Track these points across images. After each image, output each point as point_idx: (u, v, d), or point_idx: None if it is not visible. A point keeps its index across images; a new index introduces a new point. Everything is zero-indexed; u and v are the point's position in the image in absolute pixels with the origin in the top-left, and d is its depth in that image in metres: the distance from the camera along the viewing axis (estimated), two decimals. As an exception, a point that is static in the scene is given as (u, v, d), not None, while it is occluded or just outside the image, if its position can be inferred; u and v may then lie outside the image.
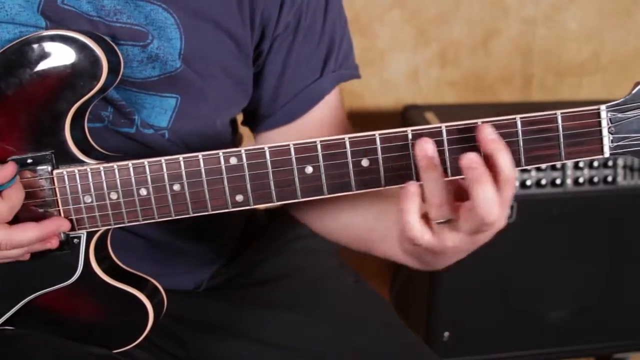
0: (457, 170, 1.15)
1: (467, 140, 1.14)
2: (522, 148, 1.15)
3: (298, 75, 1.46)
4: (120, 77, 1.25)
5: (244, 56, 1.39)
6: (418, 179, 1.15)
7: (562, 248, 2.47)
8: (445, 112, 2.58)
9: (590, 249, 2.48)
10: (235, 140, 1.62)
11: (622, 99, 1.13)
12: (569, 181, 2.38)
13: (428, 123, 2.43)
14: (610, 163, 2.39)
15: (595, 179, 2.39)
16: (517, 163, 1.15)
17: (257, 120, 1.51)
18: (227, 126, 1.52)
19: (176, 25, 1.31)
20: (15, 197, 1.20)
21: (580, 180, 2.38)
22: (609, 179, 2.40)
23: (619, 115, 1.14)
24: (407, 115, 2.63)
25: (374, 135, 1.15)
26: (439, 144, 1.14)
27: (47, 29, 1.26)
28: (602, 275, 2.52)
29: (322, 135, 1.43)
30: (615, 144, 1.14)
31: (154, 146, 1.38)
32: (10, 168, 1.19)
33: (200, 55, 1.35)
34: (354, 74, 1.54)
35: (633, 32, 2.88)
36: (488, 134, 1.12)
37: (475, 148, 1.13)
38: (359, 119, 2.76)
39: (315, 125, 1.49)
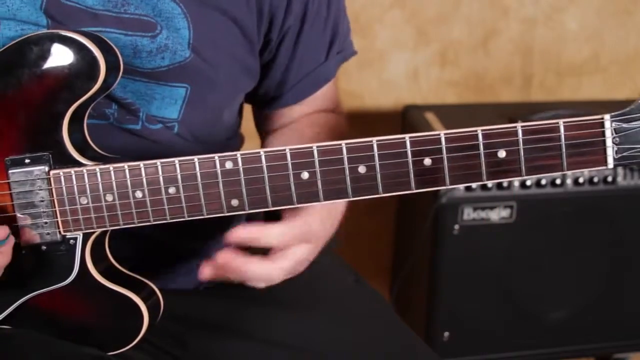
0: (454, 179, 1.15)
1: (466, 149, 1.14)
2: (522, 157, 1.13)
3: (305, 60, 1.49)
4: (120, 77, 1.26)
5: (249, 43, 1.41)
6: (416, 187, 1.16)
7: (562, 248, 2.47)
8: (445, 112, 2.58)
9: (590, 249, 2.48)
10: (239, 135, 1.64)
11: (627, 109, 1.10)
12: (569, 181, 2.38)
13: (428, 123, 2.44)
14: (610, 163, 2.39)
15: (595, 179, 2.39)
16: (518, 173, 1.14)
17: (265, 101, 1.56)
18: (234, 117, 1.54)
19: (183, 14, 1.32)
20: (0, 259, 1.22)
21: (580, 180, 2.38)
22: (609, 179, 2.40)
23: (624, 125, 1.11)
24: (407, 115, 2.64)
25: (371, 141, 1.15)
26: (437, 152, 1.14)
27: (48, 27, 1.27)
28: (602, 275, 2.52)
29: (319, 106, 1.54)
30: (620, 154, 1.11)
31: (161, 141, 1.39)
32: (4, 230, 1.22)
33: (209, 43, 1.35)
34: (353, 51, 1.59)
35: (633, 32, 2.88)
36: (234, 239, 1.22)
37: (474, 156, 1.14)
38: (358, 120, 2.76)
39: (315, 103, 1.56)
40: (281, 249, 1.26)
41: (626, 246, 2.50)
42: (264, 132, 1.63)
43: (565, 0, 2.79)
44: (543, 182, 2.36)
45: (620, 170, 2.40)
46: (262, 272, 1.26)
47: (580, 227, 2.45)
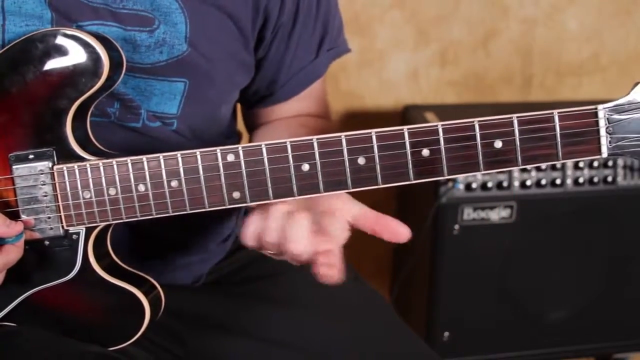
0: (452, 169, 1.16)
1: (463, 139, 1.15)
2: (518, 147, 1.15)
3: (296, 58, 1.51)
4: (123, 74, 1.26)
5: (244, 38, 1.42)
6: (415, 177, 1.17)
7: (562, 248, 2.47)
8: (445, 112, 2.59)
9: (590, 249, 2.49)
10: (236, 132, 1.65)
11: (620, 100, 1.13)
12: (569, 181, 2.38)
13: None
14: (610, 163, 2.40)
15: (595, 179, 2.39)
16: (514, 162, 1.15)
17: (255, 100, 1.57)
18: (230, 113, 1.56)
19: (180, 9, 1.33)
20: (13, 255, 1.23)
21: (580, 180, 2.38)
22: (609, 179, 2.41)
23: (617, 115, 1.13)
24: (407, 115, 2.64)
25: (370, 133, 1.16)
26: (435, 142, 1.15)
27: (52, 20, 1.28)
28: (602, 275, 2.53)
29: (308, 106, 1.56)
30: (614, 144, 1.14)
31: (160, 139, 1.40)
32: (19, 226, 1.23)
33: (205, 38, 1.37)
34: (346, 48, 1.60)
35: (633, 32, 2.88)
36: None
37: (472, 147, 1.15)
38: (359, 119, 2.77)
39: (303, 103, 1.57)
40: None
41: (626, 246, 2.51)
42: (252, 128, 1.64)
43: (565, 0, 2.79)
44: (543, 182, 2.36)
45: (620, 170, 2.40)
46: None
47: (580, 227, 2.46)
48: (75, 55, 1.21)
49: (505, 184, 2.34)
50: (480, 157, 1.15)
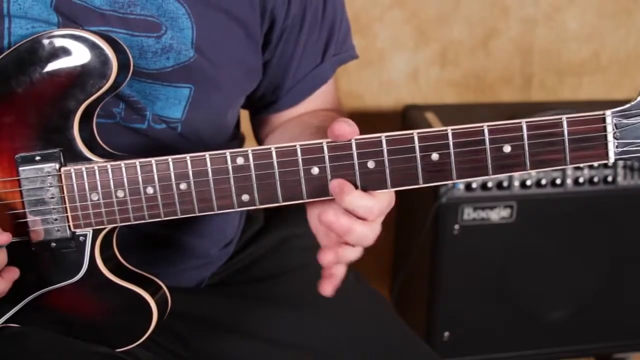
0: (461, 173, 1.16)
1: (473, 144, 1.15)
2: (527, 152, 1.15)
3: (302, 63, 1.51)
4: (129, 76, 1.26)
5: (253, 43, 1.42)
6: (424, 181, 1.17)
7: (562, 248, 2.47)
8: (445, 112, 2.59)
9: (590, 249, 2.49)
10: (239, 135, 1.65)
11: (627, 105, 1.13)
12: (569, 181, 2.38)
13: (428, 123, 2.44)
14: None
15: (595, 179, 2.39)
16: (522, 167, 1.16)
17: (261, 106, 1.57)
18: (236, 117, 1.56)
19: (187, 15, 1.32)
20: None
21: (580, 180, 2.39)
22: (609, 179, 2.41)
23: (624, 120, 1.14)
24: (407, 115, 2.64)
25: (380, 137, 1.16)
26: (445, 147, 1.15)
27: (59, 24, 1.28)
28: (602, 275, 2.53)
29: (317, 106, 1.55)
30: (621, 149, 1.14)
31: (165, 141, 1.40)
32: (7, 236, 1.22)
33: (212, 43, 1.36)
34: (353, 54, 1.60)
35: (633, 32, 2.89)
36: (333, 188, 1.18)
37: (481, 151, 1.15)
38: (359, 119, 2.72)
39: (312, 105, 1.56)
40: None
41: (626, 246, 2.51)
42: (262, 137, 1.64)
43: (565, 0, 2.79)
44: (543, 182, 2.36)
45: (620, 170, 2.40)
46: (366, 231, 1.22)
47: (580, 227, 2.46)
48: (83, 56, 1.21)
49: (505, 184, 2.34)
50: (489, 162, 1.15)
